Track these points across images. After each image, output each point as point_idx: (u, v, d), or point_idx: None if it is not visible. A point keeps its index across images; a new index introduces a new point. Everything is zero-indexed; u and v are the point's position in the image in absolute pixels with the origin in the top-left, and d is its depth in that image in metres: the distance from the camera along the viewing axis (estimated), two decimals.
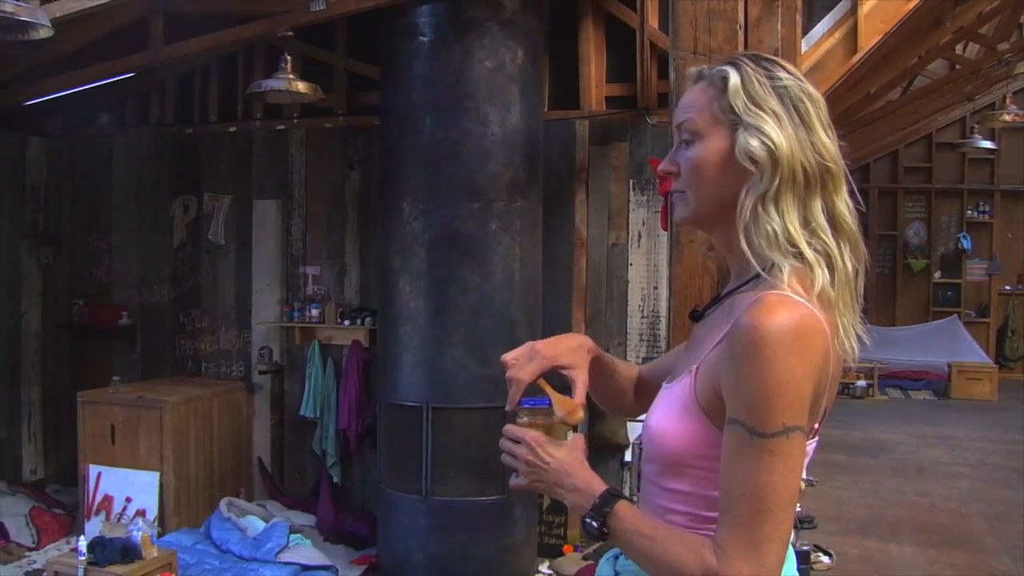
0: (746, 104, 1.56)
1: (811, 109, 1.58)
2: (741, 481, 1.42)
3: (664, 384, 1.71)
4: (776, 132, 1.54)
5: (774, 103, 1.56)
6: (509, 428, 1.67)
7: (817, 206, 1.57)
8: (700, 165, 1.61)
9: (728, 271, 1.74)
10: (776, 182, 1.53)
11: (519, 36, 5.65)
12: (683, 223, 1.70)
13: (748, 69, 1.59)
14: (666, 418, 1.60)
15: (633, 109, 6.35)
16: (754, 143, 1.54)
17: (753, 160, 1.54)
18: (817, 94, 1.61)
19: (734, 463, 1.44)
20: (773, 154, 1.53)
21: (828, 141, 1.57)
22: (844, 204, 1.60)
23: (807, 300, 1.48)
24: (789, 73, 1.60)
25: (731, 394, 1.45)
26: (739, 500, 1.42)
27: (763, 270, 1.53)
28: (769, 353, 1.40)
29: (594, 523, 1.52)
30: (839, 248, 1.58)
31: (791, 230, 1.53)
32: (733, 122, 1.57)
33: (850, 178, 1.62)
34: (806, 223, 1.56)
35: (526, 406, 1.66)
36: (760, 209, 1.54)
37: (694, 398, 1.55)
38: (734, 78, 1.58)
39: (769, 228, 1.53)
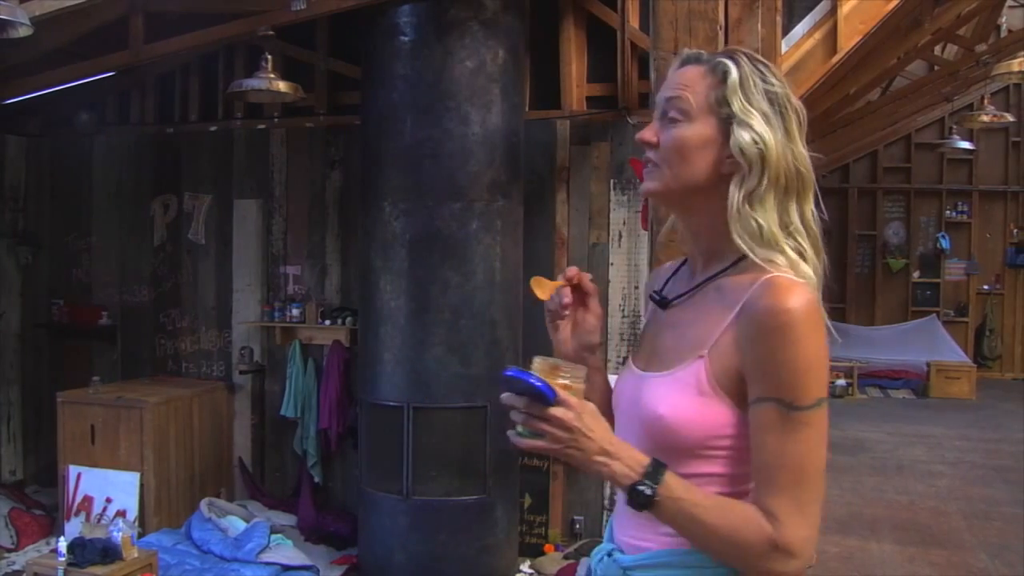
0: (742, 102, 1.62)
1: (792, 118, 1.65)
2: (782, 453, 1.51)
3: (646, 373, 1.72)
4: (768, 133, 1.61)
5: (765, 105, 1.63)
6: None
7: (793, 209, 1.64)
8: (683, 146, 1.66)
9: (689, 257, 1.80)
10: (764, 181, 1.61)
11: (500, 36, 5.66)
12: (650, 194, 1.73)
13: (746, 68, 1.65)
14: (681, 406, 1.61)
15: (614, 109, 6.35)
16: (748, 140, 1.60)
17: (744, 157, 1.60)
18: (799, 105, 1.68)
19: (772, 437, 1.52)
20: (763, 154, 1.60)
21: (803, 152, 1.65)
22: (811, 211, 1.67)
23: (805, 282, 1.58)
24: (778, 80, 1.67)
25: (760, 374, 1.53)
26: (783, 471, 1.51)
27: (756, 257, 1.60)
28: (799, 332, 1.50)
29: (647, 490, 1.51)
30: (812, 251, 1.66)
31: (773, 228, 1.61)
32: (726, 115, 1.63)
33: (817, 188, 1.69)
34: (784, 225, 1.63)
35: (564, 366, 1.57)
36: (746, 206, 1.61)
37: (712, 383, 1.59)
38: (735, 73, 1.64)
39: (753, 223, 1.60)
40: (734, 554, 1.54)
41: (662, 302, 1.79)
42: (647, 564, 1.66)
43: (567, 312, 1.77)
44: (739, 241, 1.61)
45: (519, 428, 1.54)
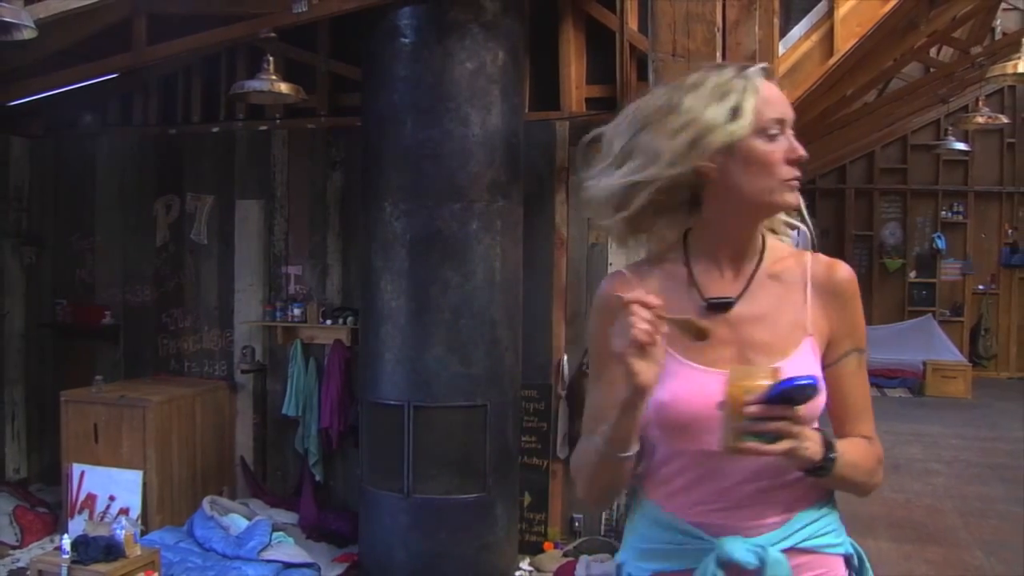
0: None
1: None
2: (864, 388, 1.86)
3: (778, 364, 1.71)
4: None
5: None
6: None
7: None
8: None
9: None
10: None
11: (500, 38, 5.70)
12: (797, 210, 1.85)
13: None
14: (820, 384, 1.73)
15: (613, 110, 6.33)
16: None
17: None
18: None
19: (857, 380, 1.85)
20: None
21: None
22: None
23: None
24: None
25: (848, 332, 1.82)
26: (865, 403, 1.86)
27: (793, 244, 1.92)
28: (858, 291, 1.84)
29: (835, 457, 1.69)
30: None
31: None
32: None
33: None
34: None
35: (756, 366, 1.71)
36: None
37: (819, 354, 1.81)
38: None
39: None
40: (866, 481, 1.83)
41: (727, 304, 1.79)
42: (797, 528, 1.78)
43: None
44: (783, 234, 1.90)
45: (743, 436, 1.57)
